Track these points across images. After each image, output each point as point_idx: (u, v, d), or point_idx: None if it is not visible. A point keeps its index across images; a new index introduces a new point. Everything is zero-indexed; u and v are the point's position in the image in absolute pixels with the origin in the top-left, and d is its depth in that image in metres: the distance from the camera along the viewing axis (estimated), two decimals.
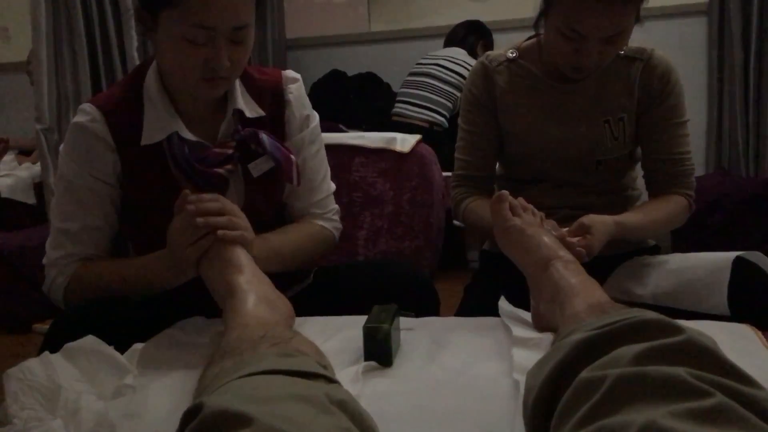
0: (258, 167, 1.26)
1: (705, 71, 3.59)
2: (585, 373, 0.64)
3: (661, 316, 0.70)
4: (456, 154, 1.49)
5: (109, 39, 2.96)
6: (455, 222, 3.38)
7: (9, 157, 3.79)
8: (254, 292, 0.99)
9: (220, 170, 1.23)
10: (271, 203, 1.32)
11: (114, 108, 1.22)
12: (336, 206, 1.41)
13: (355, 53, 3.99)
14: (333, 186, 1.42)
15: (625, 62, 1.36)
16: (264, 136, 1.24)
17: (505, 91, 1.41)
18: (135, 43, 2.94)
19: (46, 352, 0.93)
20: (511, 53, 1.43)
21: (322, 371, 0.74)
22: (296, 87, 1.33)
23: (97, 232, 1.25)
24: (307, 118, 1.35)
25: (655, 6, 3.57)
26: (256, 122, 1.27)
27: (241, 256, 1.07)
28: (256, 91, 1.29)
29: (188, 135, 1.22)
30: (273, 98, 1.30)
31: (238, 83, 1.27)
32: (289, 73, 1.35)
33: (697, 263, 1.22)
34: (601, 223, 1.19)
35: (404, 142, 3.10)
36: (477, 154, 1.46)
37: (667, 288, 1.22)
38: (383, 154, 3.08)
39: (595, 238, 1.16)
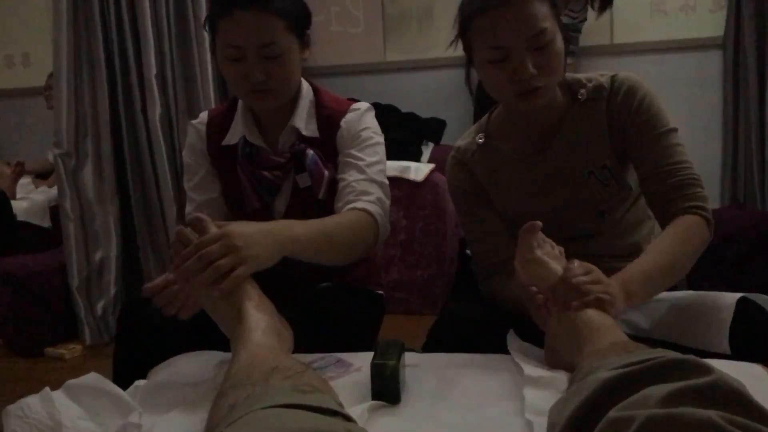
0: (304, 179, 1.43)
1: (720, 104, 3.58)
2: (613, 413, 0.63)
3: (689, 356, 0.69)
4: (470, 250, 1.43)
5: (128, 65, 3.01)
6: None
7: (26, 180, 3.84)
8: (264, 320, 0.99)
9: (267, 174, 1.42)
10: (312, 213, 1.35)
11: (216, 115, 1.51)
12: (384, 200, 1.38)
13: (370, 82, 4.02)
14: (385, 184, 1.41)
15: (588, 106, 1.30)
16: (310, 153, 1.40)
17: (486, 177, 1.39)
18: (154, 70, 2.98)
19: (47, 389, 0.92)
20: (480, 138, 1.39)
21: (339, 409, 0.74)
22: (353, 115, 1.44)
23: (207, 186, 1.49)
24: (359, 132, 1.42)
25: (670, 39, 3.58)
26: (312, 140, 1.43)
27: (246, 282, 1.06)
28: (322, 117, 1.45)
29: (253, 139, 1.44)
30: (331, 124, 1.44)
31: (308, 105, 1.45)
32: (360, 104, 1.47)
33: (702, 301, 1.20)
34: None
35: (418, 171, 3.12)
36: (490, 241, 1.39)
37: (671, 323, 1.21)
38: (397, 182, 3.10)
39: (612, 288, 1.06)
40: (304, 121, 1.43)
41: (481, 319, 1.27)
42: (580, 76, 1.33)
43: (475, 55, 1.25)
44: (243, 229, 1.05)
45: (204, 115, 1.53)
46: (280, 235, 1.11)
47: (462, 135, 1.46)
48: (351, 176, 1.37)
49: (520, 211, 1.37)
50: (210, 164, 1.50)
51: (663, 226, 1.25)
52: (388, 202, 1.40)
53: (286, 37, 1.32)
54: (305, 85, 1.48)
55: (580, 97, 1.30)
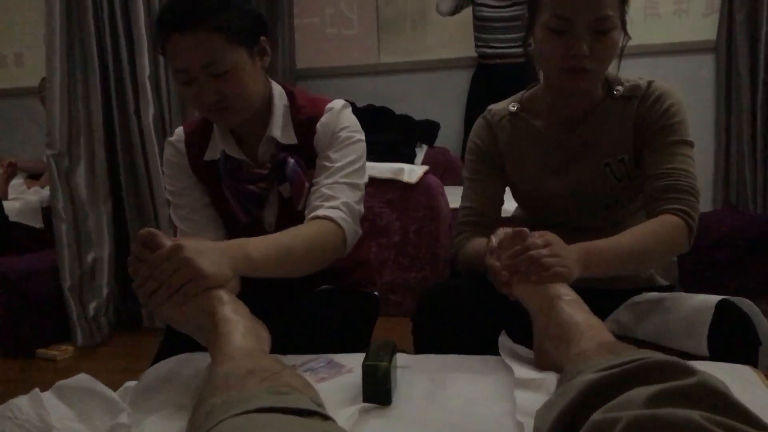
0: (287, 189, 1.39)
1: (713, 107, 3.61)
2: (597, 415, 0.64)
3: (673, 357, 0.70)
4: (460, 204, 1.48)
5: (121, 67, 3.00)
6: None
7: (18, 180, 3.83)
8: (241, 323, 0.98)
9: (252, 187, 1.39)
10: (303, 221, 1.34)
11: (193, 130, 1.46)
12: (352, 204, 1.34)
13: (364, 84, 4.03)
14: (357, 184, 1.37)
15: (621, 102, 1.35)
16: (291, 162, 1.37)
17: (508, 145, 1.44)
18: (147, 72, 2.98)
19: (36, 390, 0.91)
20: (513, 106, 1.44)
21: (316, 408, 0.73)
22: (328, 116, 1.39)
23: (193, 193, 1.45)
24: (337, 133, 1.38)
25: (663, 42, 3.60)
26: (291, 147, 1.39)
27: (218, 288, 1.04)
28: (298, 122, 1.40)
29: (233, 153, 1.40)
30: (309, 128, 1.39)
31: (283, 111, 1.40)
32: (334, 103, 1.42)
33: (684, 303, 1.20)
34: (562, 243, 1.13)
35: (412, 173, 3.12)
36: (481, 200, 1.45)
37: (656, 325, 1.22)
38: (391, 184, 3.10)
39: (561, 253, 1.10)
40: (280, 130, 1.38)
41: (471, 291, 1.30)
42: (620, 76, 1.38)
43: (539, 17, 1.28)
44: (196, 245, 1.04)
45: (180, 132, 1.48)
46: (232, 254, 1.08)
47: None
48: (320, 181, 1.35)
49: (532, 188, 1.42)
50: (195, 177, 1.45)
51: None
52: (357, 202, 1.35)
53: (231, 51, 1.25)
54: (278, 90, 1.42)
55: (615, 92, 1.35)
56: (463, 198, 1.48)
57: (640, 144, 1.34)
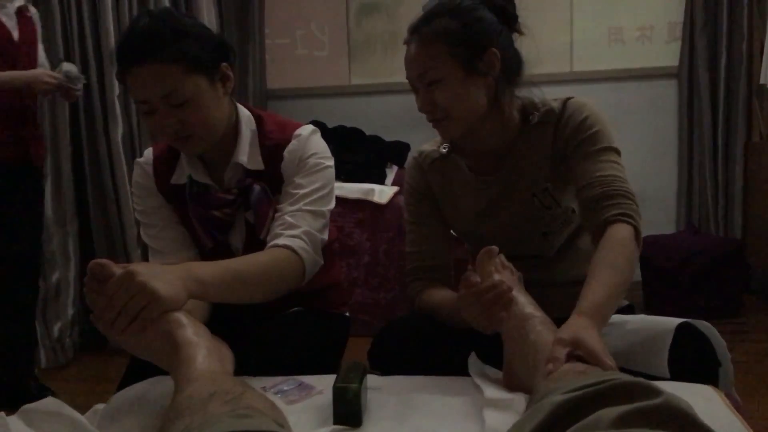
0: (252, 216, 1.38)
1: (675, 131, 3.69)
2: None
3: (639, 379, 0.72)
4: (407, 250, 1.47)
5: (90, 86, 2.97)
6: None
7: None
8: (202, 345, 0.98)
9: (216, 213, 1.38)
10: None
11: (161, 153, 1.45)
12: (314, 232, 1.33)
13: (335, 105, 4.04)
14: (321, 212, 1.37)
15: (537, 129, 1.34)
16: (256, 189, 1.36)
17: (441, 188, 1.44)
18: (116, 90, 2.96)
19: (2, 414, 0.89)
20: (444, 148, 1.44)
21: (279, 430, 0.73)
22: (296, 143, 1.39)
23: (173, 227, 1.44)
24: (305, 160, 1.38)
25: (627, 68, 3.69)
26: (258, 173, 1.38)
27: (174, 312, 1.03)
28: (266, 147, 1.39)
29: (199, 178, 1.39)
30: (276, 154, 1.39)
31: (250, 136, 1.39)
32: (303, 129, 1.42)
33: (647, 326, 1.22)
34: (583, 329, 1.01)
35: (382, 193, 3.14)
36: (427, 243, 1.44)
37: (619, 348, 1.23)
38: (361, 204, 3.12)
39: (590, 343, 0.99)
40: (246, 155, 1.38)
41: (422, 327, 1.31)
42: (537, 99, 1.37)
43: None
44: (148, 268, 1.02)
45: (149, 153, 1.47)
46: (184, 276, 1.07)
47: (430, 140, 1.50)
48: (284, 208, 1.34)
49: (468, 229, 1.43)
50: (163, 199, 1.44)
51: (592, 234, 1.25)
52: (320, 230, 1.35)
53: (189, 80, 1.25)
54: (245, 115, 1.41)
55: (531, 119, 1.35)
56: (409, 243, 1.47)
57: (561, 167, 1.33)
